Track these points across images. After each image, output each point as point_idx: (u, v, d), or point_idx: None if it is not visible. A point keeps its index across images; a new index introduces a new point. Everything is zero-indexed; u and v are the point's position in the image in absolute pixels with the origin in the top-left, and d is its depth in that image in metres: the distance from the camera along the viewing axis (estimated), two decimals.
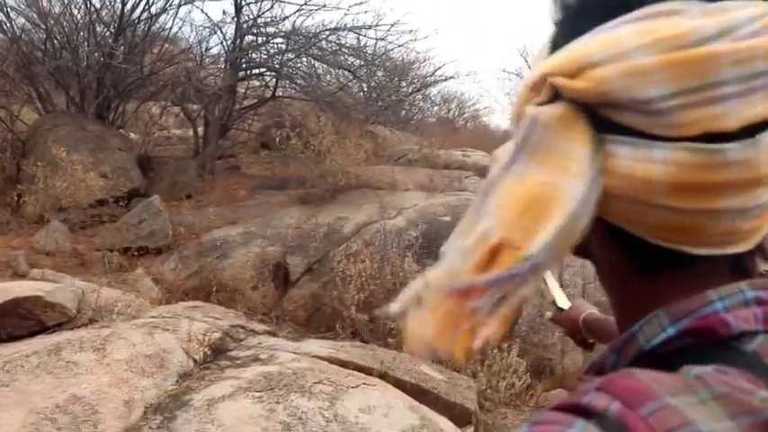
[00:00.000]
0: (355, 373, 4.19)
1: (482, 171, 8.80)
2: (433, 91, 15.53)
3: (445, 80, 11.81)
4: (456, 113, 18.08)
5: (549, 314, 1.41)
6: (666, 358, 0.53)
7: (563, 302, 1.35)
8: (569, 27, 0.55)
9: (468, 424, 4.31)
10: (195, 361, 4.01)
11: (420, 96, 13.88)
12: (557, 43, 0.57)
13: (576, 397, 0.49)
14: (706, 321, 0.52)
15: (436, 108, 17.09)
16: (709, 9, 0.50)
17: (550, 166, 0.53)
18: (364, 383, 4.02)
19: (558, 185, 0.52)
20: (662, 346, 0.54)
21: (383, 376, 4.32)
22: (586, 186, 0.52)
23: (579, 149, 0.52)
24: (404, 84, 12.73)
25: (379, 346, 5.18)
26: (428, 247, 6.51)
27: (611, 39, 0.51)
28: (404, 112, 13.26)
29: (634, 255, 0.58)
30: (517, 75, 18.53)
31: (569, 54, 0.53)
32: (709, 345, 0.52)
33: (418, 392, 4.28)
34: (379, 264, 6.00)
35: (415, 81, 13.03)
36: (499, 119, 56.80)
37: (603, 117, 0.52)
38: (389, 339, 5.35)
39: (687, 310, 0.53)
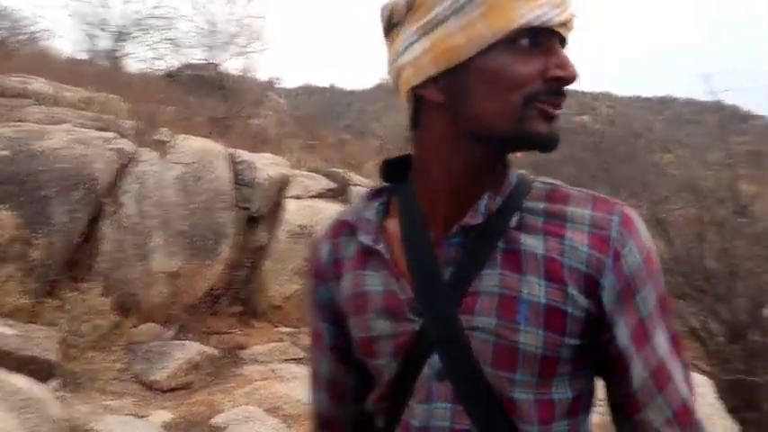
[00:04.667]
0: None
1: (45, 99, 7.91)
2: None
3: None
4: (8, 35, 15.78)
5: None
6: (521, 188, 0.90)
7: None
8: None
9: (52, 376, 4.01)
10: None
11: None
12: None
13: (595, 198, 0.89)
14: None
15: None
16: None
17: None
18: None
19: None
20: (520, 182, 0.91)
21: None
22: None
23: None
24: None
25: None
26: None
27: None
28: None
29: None
30: None
31: None
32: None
33: None
34: None
35: None
36: (61, 43, 50.87)
37: None
38: None
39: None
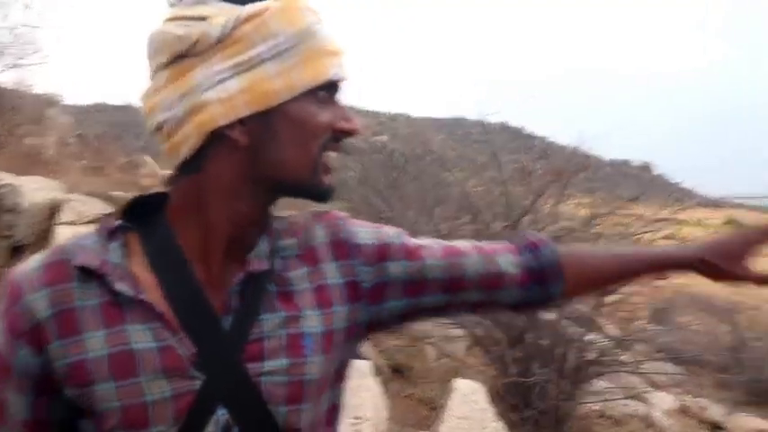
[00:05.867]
0: None
1: None
2: None
3: None
4: None
5: None
6: (276, 229, 0.92)
7: None
8: None
9: None
10: None
11: None
12: None
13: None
14: None
15: None
16: None
17: None
18: None
19: None
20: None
21: None
22: None
23: None
24: None
25: None
26: None
27: None
28: None
29: None
30: None
31: None
32: None
33: None
34: None
35: None
36: None
37: None
38: None
39: None
